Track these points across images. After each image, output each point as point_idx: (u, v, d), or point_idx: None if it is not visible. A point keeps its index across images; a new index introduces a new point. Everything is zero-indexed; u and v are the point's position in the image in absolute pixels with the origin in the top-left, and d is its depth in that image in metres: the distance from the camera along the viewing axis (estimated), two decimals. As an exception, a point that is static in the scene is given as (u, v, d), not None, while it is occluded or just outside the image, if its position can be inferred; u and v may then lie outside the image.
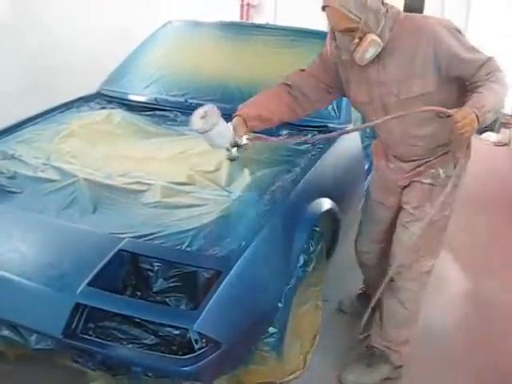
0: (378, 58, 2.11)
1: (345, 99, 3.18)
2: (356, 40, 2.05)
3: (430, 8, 7.34)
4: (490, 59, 2.07)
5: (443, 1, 7.23)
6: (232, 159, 2.33)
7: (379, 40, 2.05)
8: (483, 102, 1.93)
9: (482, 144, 5.93)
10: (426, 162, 2.34)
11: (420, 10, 7.40)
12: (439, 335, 2.96)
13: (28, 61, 4.42)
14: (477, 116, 1.88)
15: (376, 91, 2.23)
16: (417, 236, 2.28)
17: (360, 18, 2.00)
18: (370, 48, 2.06)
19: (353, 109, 3.28)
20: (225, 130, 2.12)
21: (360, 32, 2.03)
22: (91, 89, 3.69)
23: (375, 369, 2.62)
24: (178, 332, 1.89)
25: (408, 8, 7.53)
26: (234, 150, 2.23)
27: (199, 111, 2.10)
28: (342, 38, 2.12)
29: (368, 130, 4.18)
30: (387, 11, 2.07)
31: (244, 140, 2.23)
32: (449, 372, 2.72)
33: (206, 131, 2.05)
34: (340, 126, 3.09)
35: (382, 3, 2.06)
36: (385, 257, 2.59)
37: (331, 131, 3.02)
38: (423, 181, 2.36)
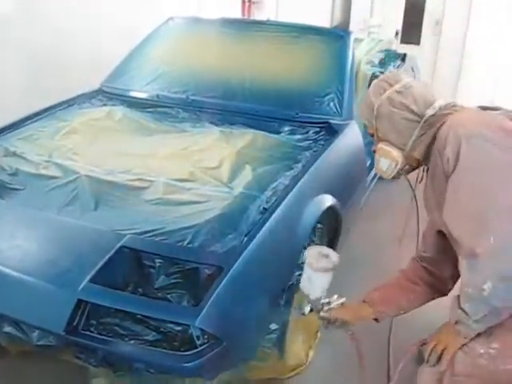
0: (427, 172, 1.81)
1: (347, 95, 3.19)
2: (375, 147, 1.89)
3: (432, 3, 7.31)
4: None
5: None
6: (302, 313, 2.10)
7: (394, 152, 1.81)
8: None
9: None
10: None
11: (422, 5, 7.38)
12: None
13: (31, 58, 4.41)
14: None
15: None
16: None
17: (372, 124, 1.85)
18: (380, 158, 1.87)
19: (355, 106, 3.30)
20: (326, 284, 1.94)
21: (377, 139, 1.86)
22: (94, 86, 3.69)
23: None
24: (179, 328, 1.88)
25: (409, 4, 7.51)
26: (309, 306, 2.06)
27: (323, 249, 1.97)
28: None
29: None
30: (427, 121, 1.74)
31: (325, 308, 2.01)
32: None
33: (324, 270, 1.91)
34: (342, 123, 3.09)
35: (413, 111, 1.76)
36: None
37: (332, 127, 3.03)
38: None
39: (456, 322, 1.69)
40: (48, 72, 4.47)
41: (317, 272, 1.93)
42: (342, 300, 2.03)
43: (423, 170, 1.87)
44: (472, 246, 1.54)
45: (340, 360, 2.73)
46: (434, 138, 1.70)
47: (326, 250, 1.96)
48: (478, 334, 1.68)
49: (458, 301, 1.66)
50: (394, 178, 1.91)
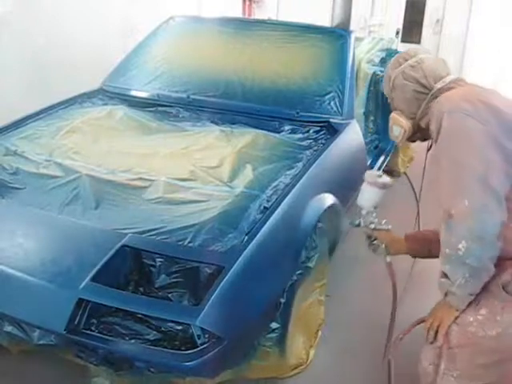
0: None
1: (347, 94, 3.20)
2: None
3: (433, 1, 7.30)
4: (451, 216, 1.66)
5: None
6: (354, 225, 2.32)
7: (401, 119, 1.97)
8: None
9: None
10: None
11: (422, 4, 7.37)
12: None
13: (32, 57, 4.41)
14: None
15: None
16: None
17: (389, 95, 2.02)
18: (393, 126, 2.03)
19: (356, 104, 3.30)
20: (377, 199, 2.19)
21: (393, 108, 2.04)
22: (96, 85, 3.69)
23: None
24: (180, 327, 1.89)
25: (410, 2, 7.51)
26: (359, 219, 2.28)
27: (380, 174, 2.21)
28: None
29: (371, 126, 4.20)
30: (435, 93, 1.88)
31: (373, 222, 2.24)
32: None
33: (376, 186, 2.16)
34: (342, 122, 3.09)
35: (423, 84, 1.90)
36: None
37: (333, 126, 3.03)
38: None
39: (445, 295, 1.78)
40: (50, 71, 4.48)
41: (371, 186, 2.16)
42: (389, 227, 2.24)
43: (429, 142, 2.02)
44: (449, 209, 1.65)
45: (341, 359, 2.73)
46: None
47: (382, 175, 2.20)
48: (468, 305, 1.76)
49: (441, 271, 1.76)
50: (410, 141, 2.07)
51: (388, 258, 2.30)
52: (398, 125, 1.99)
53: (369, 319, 2.99)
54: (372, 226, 2.24)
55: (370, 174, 2.20)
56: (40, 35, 4.45)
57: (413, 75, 1.91)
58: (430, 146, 1.99)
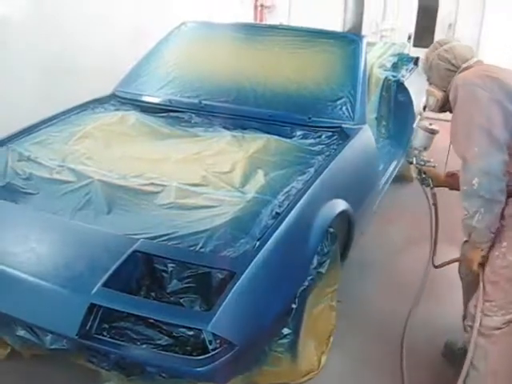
0: None
1: (359, 99, 3.19)
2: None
3: (445, 6, 7.27)
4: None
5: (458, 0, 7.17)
6: (409, 161, 2.78)
7: (436, 91, 2.42)
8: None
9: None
10: None
11: (434, 8, 7.35)
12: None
13: (44, 64, 4.44)
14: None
15: None
16: None
17: (427, 75, 2.48)
18: (429, 97, 2.48)
19: (367, 109, 3.30)
20: (427, 141, 2.66)
21: (430, 83, 2.48)
22: (107, 91, 3.71)
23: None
24: (192, 333, 1.88)
25: (422, 7, 7.48)
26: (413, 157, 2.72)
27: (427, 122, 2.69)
28: None
29: (383, 131, 4.19)
30: (462, 71, 2.32)
31: (423, 160, 2.69)
32: None
33: (427, 131, 2.63)
34: (354, 127, 3.08)
35: (453, 64, 2.35)
36: None
37: (345, 132, 3.03)
38: None
39: (469, 235, 2.16)
40: (62, 78, 4.50)
41: (423, 131, 2.64)
42: (435, 164, 2.70)
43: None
44: (464, 155, 2.10)
45: (353, 365, 2.72)
46: None
47: (432, 123, 2.66)
48: (493, 244, 2.16)
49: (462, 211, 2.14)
50: (439, 111, 2.49)
51: (433, 190, 2.76)
52: (433, 95, 2.44)
53: (381, 325, 2.97)
54: (422, 163, 2.68)
55: (422, 123, 2.65)
56: (52, 42, 4.48)
57: (446, 56, 2.37)
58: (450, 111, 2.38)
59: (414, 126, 2.72)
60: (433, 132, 2.60)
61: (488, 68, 2.31)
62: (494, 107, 2.08)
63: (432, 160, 2.69)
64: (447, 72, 2.37)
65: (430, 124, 2.61)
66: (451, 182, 2.64)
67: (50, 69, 4.46)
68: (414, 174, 2.79)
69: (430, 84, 2.48)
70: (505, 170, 2.05)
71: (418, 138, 2.65)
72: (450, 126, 2.25)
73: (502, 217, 2.13)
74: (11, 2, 4.23)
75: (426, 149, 2.67)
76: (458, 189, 2.42)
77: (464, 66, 2.33)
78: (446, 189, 2.70)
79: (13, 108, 3.91)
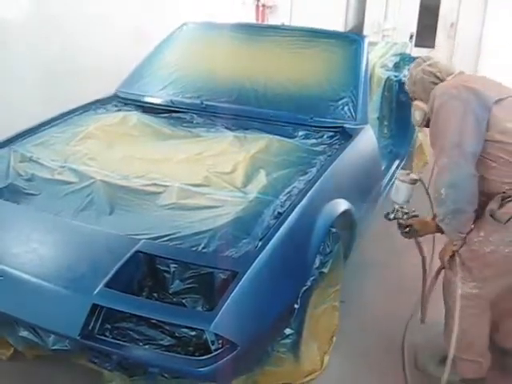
0: None
1: (361, 99, 3.19)
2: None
3: (447, 5, 7.26)
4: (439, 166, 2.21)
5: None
6: (388, 218, 2.64)
7: (421, 105, 2.48)
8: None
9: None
10: None
11: (436, 8, 7.34)
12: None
13: (47, 66, 4.45)
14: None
15: None
16: None
17: (411, 90, 2.56)
18: (415, 112, 2.53)
19: (369, 109, 3.30)
20: (408, 193, 2.57)
21: (414, 99, 2.56)
22: (110, 91, 3.71)
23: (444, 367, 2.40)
24: (194, 333, 1.89)
25: (424, 6, 7.47)
26: (393, 213, 2.63)
27: (410, 173, 2.63)
28: None
29: (385, 131, 4.18)
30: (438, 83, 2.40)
31: (406, 213, 2.60)
32: None
33: (407, 182, 2.54)
34: (356, 127, 3.08)
35: (438, 77, 2.43)
36: None
37: (347, 132, 3.02)
38: None
39: (443, 233, 2.34)
40: (62, 78, 4.51)
41: (403, 183, 2.55)
42: (417, 213, 2.62)
43: None
44: (437, 163, 2.22)
45: (356, 366, 2.72)
46: None
47: (410, 172, 2.62)
48: (472, 230, 2.25)
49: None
50: (426, 126, 2.51)
51: (419, 239, 2.74)
52: (420, 109, 2.48)
53: (384, 325, 2.97)
54: (405, 217, 2.58)
55: (401, 173, 2.60)
56: (53, 43, 4.49)
57: (430, 70, 2.45)
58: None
59: (395, 181, 2.61)
60: (414, 182, 2.55)
61: (467, 78, 2.42)
62: (467, 117, 2.16)
63: (413, 209, 2.61)
64: (432, 85, 2.42)
65: (408, 173, 2.57)
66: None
67: (50, 70, 4.47)
68: (398, 229, 2.65)
69: (415, 99, 2.54)
70: (476, 181, 2.15)
71: (400, 193, 2.56)
72: (429, 134, 2.36)
73: (483, 212, 2.23)
74: (12, 2, 4.24)
75: (407, 201, 2.60)
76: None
77: (448, 79, 2.41)
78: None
79: (13, 109, 3.92)
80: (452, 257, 2.35)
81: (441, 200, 2.20)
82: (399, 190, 2.56)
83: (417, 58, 4.98)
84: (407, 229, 2.59)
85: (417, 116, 2.52)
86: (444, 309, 2.48)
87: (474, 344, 2.40)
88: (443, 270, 2.50)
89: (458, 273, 2.29)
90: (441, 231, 2.45)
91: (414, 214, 2.60)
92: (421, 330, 2.87)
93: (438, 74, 2.43)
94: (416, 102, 2.52)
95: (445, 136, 2.20)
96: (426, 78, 2.46)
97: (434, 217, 2.50)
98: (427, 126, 2.49)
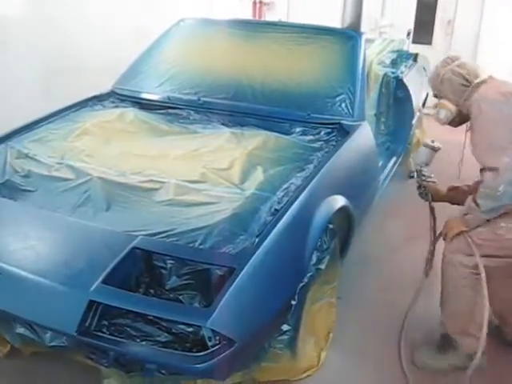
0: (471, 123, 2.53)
1: (358, 95, 3.19)
2: (437, 102, 2.65)
3: (444, 2, 7.25)
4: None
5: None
6: (410, 176, 3.02)
7: (449, 105, 2.56)
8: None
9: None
10: None
11: (434, 4, 7.33)
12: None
13: (43, 61, 4.44)
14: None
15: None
16: None
17: (437, 88, 2.61)
18: (440, 110, 2.60)
19: (367, 106, 3.30)
20: (429, 158, 2.81)
21: (440, 98, 2.62)
22: (107, 88, 3.70)
23: (445, 356, 2.64)
24: (191, 329, 1.88)
25: (421, 3, 7.46)
26: (414, 173, 2.88)
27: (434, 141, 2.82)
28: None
29: (382, 127, 4.19)
30: (475, 86, 2.49)
31: (424, 175, 2.82)
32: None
33: (429, 148, 2.78)
34: (354, 124, 3.08)
35: (467, 79, 2.50)
36: None
37: (344, 128, 3.02)
38: None
39: (465, 214, 2.44)
40: (61, 75, 4.50)
41: (425, 147, 2.79)
42: (435, 180, 2.82)
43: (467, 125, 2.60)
44: (494, 165, 2.26)
45: (353, 362, 2.72)
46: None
47: (434, 141, 2.80)
48: (502, 215, 2.35)
49: (473, 199, 2.37)
50: (449, 124, 2.64)
51: (432, 204, 2.87)
52: (446, 108, 2.57)
53: (380, 321, 2.97)
54: (423, 177, 2.80)
55: (426, 140, 2.78)
56: (52, 42, 4.48)
57: (460, 72, 2.52)
58: (469, 127, 2.56)
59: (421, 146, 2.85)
60: (434, 149, 2.73)
61: (507, 85, 2.51)
62: None
63: (433, 175, 2.81)
64: (461, 87, 2.50)
65: (433, 141, 2.72)
66: (452, 196, 2.81)
67: (50, 69, 4.46)
68: (416, 187, 2.89)
69: (440, 98, 2.61)
70: None
71: (420, 154, 2.78)
72: (472, 136, 2.43)
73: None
74: (11, 1, 4.23)
75: (427, 164, 2.80)
76: (458, 203, 2.71)
77: (476, 81, 2.49)
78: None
79: (13, 109, 3.90)
80: (458, 235, 2.47)
81: (494, 196, 2.27)
82: (421, 153, 2.79)
83: (414, 54, 5.02)
84: (422, 189, 2.83)
85: (441, 114, 2.60)
86: (441, 292, 2.60)
87: (472, 320, 2.50)
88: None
89: (475, 253, 2.40)
90: (451, 201, 2.78)
91: (431, 179, 2.81)
92: (419, 324, 2.89)
93: (467, 76, 2.50)
94: (443, 101, 2.58)
95: (502, 137, 2.29)
96: (455, 79, 2.52)
97: (448, 188, 2.79)
98: (450, 124, 2.64)
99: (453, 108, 2.56)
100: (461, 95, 2.52)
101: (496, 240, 2.40)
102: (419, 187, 2.85)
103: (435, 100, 2.68)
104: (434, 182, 2.82)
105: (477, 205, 2.35)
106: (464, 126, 2.65)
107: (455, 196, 2.80)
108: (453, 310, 2.57)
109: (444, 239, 2.59)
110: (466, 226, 2.44)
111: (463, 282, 2.47)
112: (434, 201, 2.84)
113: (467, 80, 2.50)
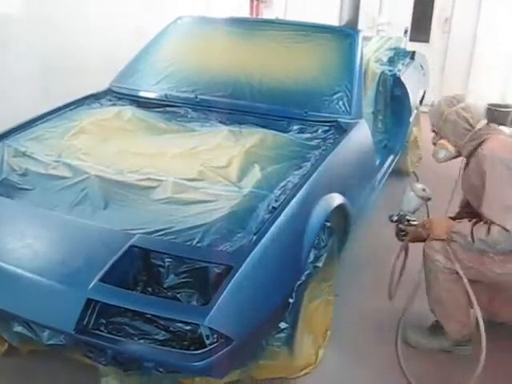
0: (467, 165, 2.60)
1: (356, 93, 3.19)
2: (435, 140, 2.70)
3: (442, 1, 7.25)
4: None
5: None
6: (392, 220, 2.81)
7: (450, 146, 2.61)
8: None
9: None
10: None
11: (431, 2, 7.33)
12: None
13: (42, 59, 4.43)
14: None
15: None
16: None
17: (438, 125, 2.62)
18: (440, 150, 2.66)
19: (364, 104, 3.30)
20: (417, 206, 2.74)
21: (438, 136, 2.66)
22: (105, 86, 3.70)
23: (435, 338, 2.79)
24: (189, 327, 1.88)
25: (418, 1, 7.45)
26: (396, 217, 2.81)
27: (425, 187, 2.75)
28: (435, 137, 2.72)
29: (380, 125, 4.19)
30: (476, 132, 2.53)
31: (408, 220, 2.77)
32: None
33: (418, 196, 2.70)
34: (351, 121, 3.08)
35: (470, 124, 2.53)
36: None
37: (341, 126, 3.02)
38: None
39: (453, 236, 2.47)
40: (60, 74, 4.49)
41: (416, 197, 2.69)
42: (417, 222, 2.76)
43: (463, 161, 2.64)
44: (503, 223, 2.29)
45: (351, 359, 2.73)
46: (477, 146, 2.51)
47: (425, 188, 2.73)
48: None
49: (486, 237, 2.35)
50: (442, 162, 2.71)
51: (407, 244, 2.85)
52: (446, 149, 2.62)
53: (378, 319, 2.98)
54: (406, 223, 2.75)
55: (416, 187, 2.70)
56: (51, 41, 4.47)
57: (464, 115, 2.55)
58: (466, 165, 2.62)
59: (408, 188, 2.74)
60: (424, 198, 2.70)
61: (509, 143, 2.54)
62: None
63: (414, 219, 2.77)
64: (463, 130, 2.54)
65: (424, 189, 2.69)
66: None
67: (49, 68, 4.45)
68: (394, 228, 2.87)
69: (437, 134, 2.66)
70: None
71: (409, 202, 2.71)
72: (480, 191, 2.43)
73: None
74: (12, 1, 4.22)
75: (413, 213, 2.75)
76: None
77: (477, 127, 2.53)
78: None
79: (12, 108, 3.90)
80: (444, 241, 2.53)
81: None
82: (410, 201, 2.70)
83: (411, 52, 5.03)
84: (403, 233, 2.79)
85: (441, 154, 2.66)
86: (425, 280, 2.70)
87: (458, 306, 2.60)
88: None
89: (454, 261, 2.49)
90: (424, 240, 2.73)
91: (414, 223, 2.76)
92: (415, 321, 2.89)
93: (471, 120, 2.54)
94: (443, 142, 2.63)
95: (509, 197, 2.35)
96: (460, 122, 2.55)
97: (423, 226, 2.70)
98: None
99: (452, 149, 2.61)
100: (462, 138, 2.56)
101: (480, 265, 2.47)
102: (399, 230, 2.82)
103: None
104: (415, 226, 2.77)
105: (485, 243, 2.37)
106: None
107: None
108: (436, 297, 2.65)
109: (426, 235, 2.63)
110: (449, 232, 2.48)
111: (443, 276, 2.57)
112: (412, 242, 2.82)
113: (470, 124, 2.54)
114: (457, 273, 2.49)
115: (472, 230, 2.39)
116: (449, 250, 2.50)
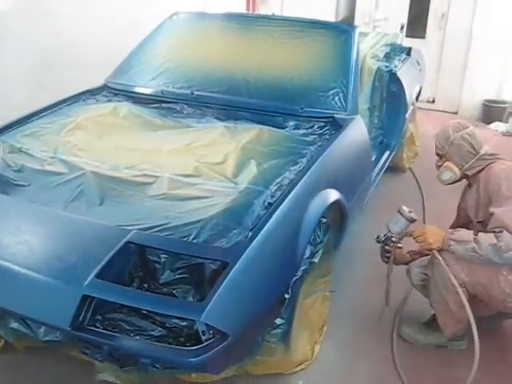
0: (470, 186, 2.77)
1: (352, 89, 3.19)
2: (440, 163, 2.80)
3: (436, 2, 7.26)
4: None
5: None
6: (378, 241, 2.83)
7: (455, 168, 2.71)
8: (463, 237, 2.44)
9: (491, 134, 5.91)
10: None
11: (426, 0, 7.33)
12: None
13: (38, 55, 4.41)
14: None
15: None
16: None
17: (444, 148, 2.73)
18: (445, 172, 2.75)
19: (360, 100, 3.30)
20: (404, 229, 2.73)
21: (444, 158, 2.76)
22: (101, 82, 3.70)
23: (431, 334, 2.83)
24: (185, 323, 1.89)
25: (413, 4, 7.45)
26: (384, 237, 2.81)
27: (411, 211, 2.75)
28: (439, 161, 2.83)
29: (376, 121, 4.19)
30: (480, 156, 2.66)
31: (393, 241, 2.77)
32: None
33: (407, 219, 2.70)
34: (347, 117, 3.09)
35: (475, 148, 2.67)
36: None
37: (337, 122, 3.02)
38: None
39: (450, 244, 2.46)
40: (56, 69, 4.47)
41: (403, 218, 2.70)
42: (402, 245, 2.83)
43: (466, 182, 2.82)
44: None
45: (346, 355, 2.74)
46: (480, 170, 2.65)
47: (412, 211, 2.74)
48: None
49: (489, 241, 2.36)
50: (447, 184, 2.81)
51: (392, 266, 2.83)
52: (451, 171, 2.73)
53: (374, 314, 2.98)
54: (392, 244, 2.76)
55: (403, 209, 2.73)
56: (46, 35, 4.45)
57: (470, 141, 2.68)
58: (468, 186, 2.80)
59: (397, 211, 2.75)
60: (412, 220, 2.72)
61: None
62: None
63: (400, 241, 2.77)
64: (468, 154, 2.67)
65: (410, 211, 2.72)
66: (416, 258, 2.89)
67: (43, 62, 4.43)
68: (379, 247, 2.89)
69: (442, 157, 2.77)
70: None
71: (396, 223, 2.73)
72: (483, 201, 2.58)
73: None
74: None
75: (399, 234, 2.76)
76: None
77: (481, 152, 2.67)
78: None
79: (8, 104, 3.88)
80: (440, 251, 2.53)
81: (501, 255, 2.32)
82: (397, 222, 2.72)
83: (407, 48, 5.03)
84: (388, 254, 2.81)
85: (445, 176, 2.77)
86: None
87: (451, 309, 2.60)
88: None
89: (448, 272, 2.49)
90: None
91: (399, 245, 2.80)
92: (411, 317, 2.90)
93: (476, 145, 2.67)
94: (448, 164, 2.73)
95: None
96: (466, 146, 2.67)
97: (416, 253, 2.86)
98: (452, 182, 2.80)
99: (457, 171, 2.71)
100: (467, 161, 2.67)
101: (487, 280, 2.47)
102: (384, 251, 2.85)
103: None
104: (400, 248, 2.84)
105: (477, 249, 2.37)
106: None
107: (418, 258, 2.88)
108: (432, 289, 2.67)
109: (414, 238, 2.63)
110: (447, 240, 2.48)
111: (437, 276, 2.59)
112: (396, 264, 2.85)
113: (475, 149, 2.67)
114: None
115: (475, 235, 2.40)
116: (441, 261, 2.50)
